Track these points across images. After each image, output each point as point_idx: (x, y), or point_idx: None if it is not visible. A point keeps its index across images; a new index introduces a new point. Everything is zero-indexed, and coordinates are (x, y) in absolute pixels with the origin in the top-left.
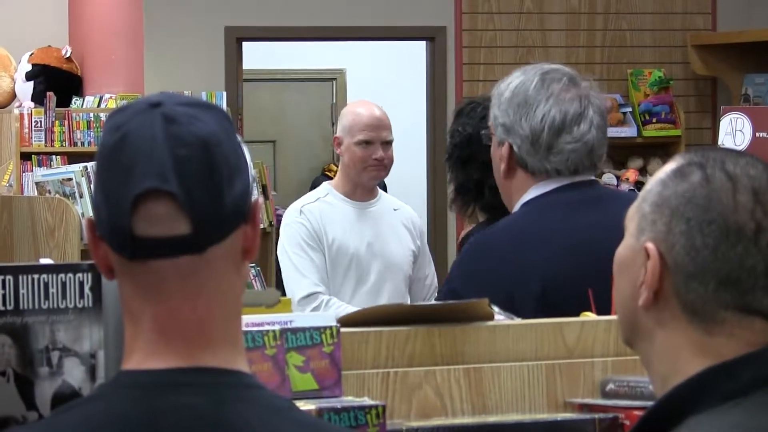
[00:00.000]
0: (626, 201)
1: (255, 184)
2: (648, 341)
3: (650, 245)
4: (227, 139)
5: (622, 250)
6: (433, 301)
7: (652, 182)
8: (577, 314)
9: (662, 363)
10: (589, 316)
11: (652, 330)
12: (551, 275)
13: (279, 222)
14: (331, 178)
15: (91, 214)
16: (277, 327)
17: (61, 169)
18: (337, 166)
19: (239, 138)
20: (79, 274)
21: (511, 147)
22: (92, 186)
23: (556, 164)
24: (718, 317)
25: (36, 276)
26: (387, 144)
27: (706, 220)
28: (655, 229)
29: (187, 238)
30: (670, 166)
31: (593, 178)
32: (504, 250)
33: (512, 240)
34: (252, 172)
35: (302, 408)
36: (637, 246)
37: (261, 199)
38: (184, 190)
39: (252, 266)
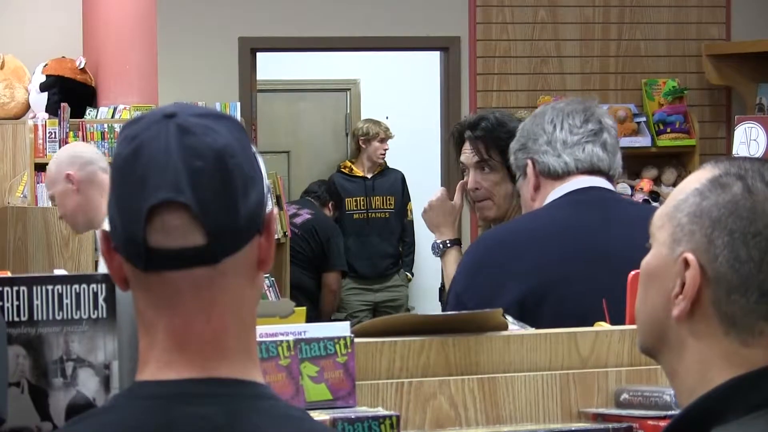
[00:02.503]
0: (634, 209)
1: (270, 195)
2: (676, 352)
3: (690, 256)
4: (242, 150)
5: (652, 260)
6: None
7: (686, 192)
8: (563, 313)
9: (691, 374)
10: (603, 325)
11: (683, 341)
12: (545, 271)
13: (293, 233)
14: (345, 174)
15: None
16: (291, 337)
17: None
18: (353, 163)
19: (254, 148)
20: (93, 285)
21: (533, 162)
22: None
23: (574, 155)
24: (756, 329)
25: (50, 287)
26: None
27: (751, 233)
28: (694, 240)
29: (201, 249)
30: (704, 175)
31: (608, 187)
32: (500, 246)
33: (507, 239)
34: (267, 182)
35: (316, 418)
36: (671, 256)
37: (276, 210)
38: (199, 202)
39: (266, 277)
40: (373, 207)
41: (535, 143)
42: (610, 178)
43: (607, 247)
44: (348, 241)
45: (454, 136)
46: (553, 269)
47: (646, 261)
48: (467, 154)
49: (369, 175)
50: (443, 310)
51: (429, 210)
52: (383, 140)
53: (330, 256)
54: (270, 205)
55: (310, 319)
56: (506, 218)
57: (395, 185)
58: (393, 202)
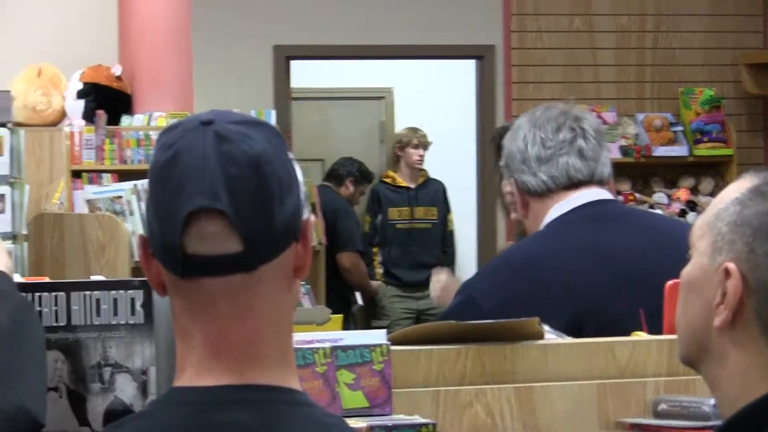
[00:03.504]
0: (644, 220)
1: (306, 202)
2: (718, 362)
3: (731, 265)
4: (278, 157)
5: (693, 270)
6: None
7: (726, 201)
8: (603, 324)
9: (733, 384)
10: (641, 335)
11: (724, 351)
12: (576, 285)
13: (329, 241)
14: (388, 185)
15: (141, 231)
16: (327, 344)
17: (111, 187)
18: (395, 173)
19: (291, 155)
20: (131, 291)
21: (516, 181)
22: (144, 204)
23: (548, 172)
24: None
25: (88, 293)
26: None
27: None
28: (735, 249)
29: (238, 256)
30: (744, 184)
31: (607, 198)
32: (523, 262)
33: (532, 255)
34: (303, 189)
35: (353, 425)
36: (712, 266)
37: (312, 218)
38: (235, 209)
39: (302, 284)
40: (416, 217)
41: (513, 162)
42: (600, 184)
43: (629, 264)
44: (391, 251)
45: (494, 141)
46: (589, 293)
47: (687, 271)
48: None
49: (412, 186)
50: None
51: (441, 292)
52: (417, 146)
53: (338, 238)
54: (306, 213)
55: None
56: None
57: (437, 196)
58: (436, 213)
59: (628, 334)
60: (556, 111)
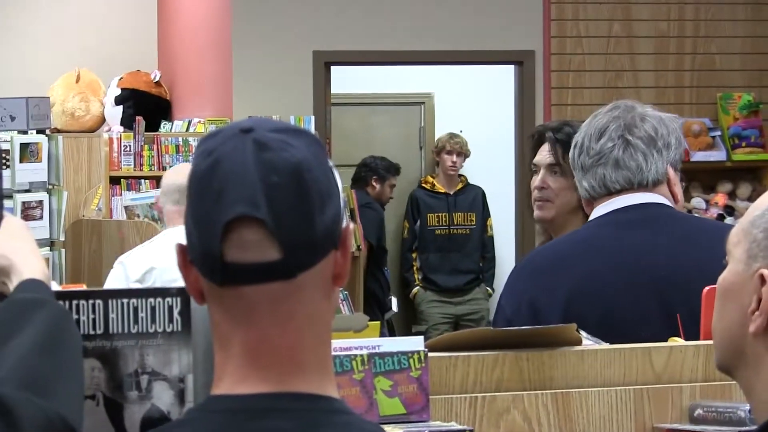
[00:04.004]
0: (682, 224)
1: (345, 209)
2: (753, 368)
3: (766, 272)
4: (318, 165)
5: (729, 276)
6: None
7: (762, 208)
8: (602, 328)
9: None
10: (678, 341)
11: (760, 357)
12: (578, 288)
13: (370, 246)
14: (427, 190)
15: None
16: (365, 351)
17: (149, 193)
18: (434, 178)
19: (331, 163)
20: (168, 299)
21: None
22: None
23: (589, 181)
24: None
25: (125, 300)
26: None
27: None
28: None
29: (277, 264)
30: None
31: (653, 201)
32: (537, 265)
33: (547, 258)
34: (342, 196)
35: None
36: (747, 272)
37: (351, 225)
38: (275, 217)
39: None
40: (455, 223)
41: (573, 165)
42: (651, 188)
43: (649, 268)
44: (429, 256)
45: (533, 137)
46: (595, 296)
47: (723, 277)
48: (543, 155)
49: (450, 191)
50: None
51: None
52: (450, 152)
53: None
54: (346, 220)
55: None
56: (561, 227)
57: (476, 201)
58: (474, 219)
59: (635, 338)
60: (606, 117)
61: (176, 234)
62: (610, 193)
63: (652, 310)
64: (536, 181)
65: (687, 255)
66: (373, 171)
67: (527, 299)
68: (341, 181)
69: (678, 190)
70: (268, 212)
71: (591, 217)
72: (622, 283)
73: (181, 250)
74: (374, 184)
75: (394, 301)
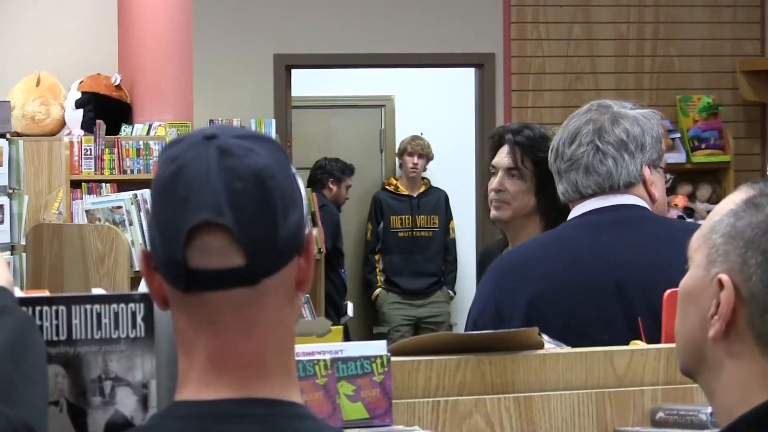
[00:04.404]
0: (653, 226)
1: (308, 215)
2: (714, 372)
3: (724, 276)
4: (282, 172)
5: (689, 281)
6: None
7: (721, 213)
8: (564, 330)
9: (729, 394)
10: (639, 344)
11: (720, 361)
12: (539, 291)
13: (331, 250)
14: (391, 192)
15: (140, 241)
16: (327, 356)
17: (110, 197)
18: (397, 180)
19: (294, 169)
20: (132, 305)
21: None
22: (147, 217)
23: (563, 185)
24: None
25: (88, 306)
26: None
27: None
28: (729, 261)
29: (241, 270)
30: (739, 196)
31: (630, 202)
32: (505, 269)
33: (513, 261)
34: (305, 203)
35: None
36: (707, 277)
37: (315, 231)
38: (239, 223)
39: None
40: (418, 225)
41: (551, 165)
42: (625, 189)
43: (615, 269)
44: (393, 258)
45: (493, 138)
46: (555, 298)
47: (684, 282)
48: (502, 157)
49: (414, 194)
50: None
51: None
52: (411, 154)
53: None
54: (309, 226)
55: None
56: (518, 229)
57: (439, 204)
58: (437, 221)
59: (595, 339)
60: (579, 120)
61: None
62: (583, 197)
63: (614, 312)
64: (494, 183)
65: (653, 257)
66: (328, 173)
67: (492, 302)
68: (304, 187)
69: (656, 189)
70: (231, 218)
71: (569, 218)
72: (583, 285)
73: (145, 256)
74: (331, 186)
75: (350, 306)
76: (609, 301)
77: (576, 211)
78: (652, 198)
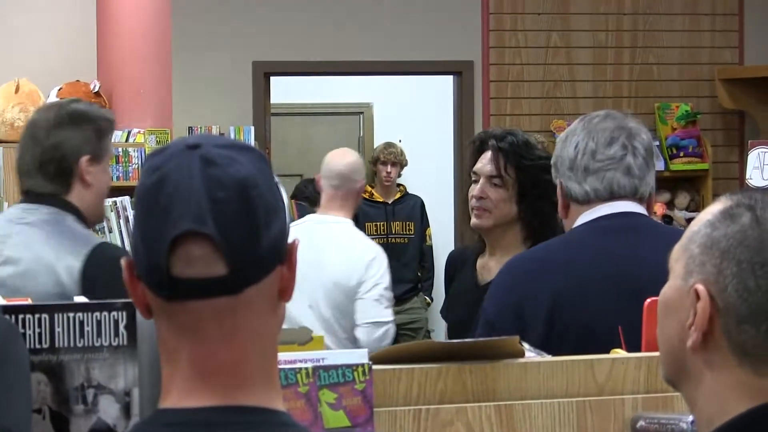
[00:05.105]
0: (666, 234)
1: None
2: (694, 382)
3: (700, 287)
4: (265, 181)
5: (668, 291)
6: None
7: (699, 223)
8: (587, 335)
9: (709, 404)
10: (619, 353)
11: (699, 371)
12: (564, 289)
13: None
14: (366, 200)
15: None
16: (309, 365)
17: None
18: (372, 188)
19: (276, 179)
20: (114, 313)
21: (561, 184)
22: (127, 224)
23: (593, 184)
24: None
25: (71, 314)
26: None
27: (759, 262)
28: (705, 271)
29: (223, 279)
30: (717, 207)
31: (637, 210)
32: (525, 269)
33: (534, 261)
34: (288, 212)
35: None
36: (684, 287)
37: (297, 240)
38: (221, 232)
39: None
40: (393, 232)
41: (562, 165)
42: (640, 200)
43: (633, 276)
44: None
45: (474, 143)
46: (574, 304)
47: (663, 292)
48: (484, 163)
49: (389, 201)
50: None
51: None
52: (385, 163)
53: None
54: (292, 236)
55: None
56: (499, 237)
57: (415, 211)
58: (413, 228)
59: (611, 346)
60: (612, 123)
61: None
62: (610, 198)
63: (636, 312)
64: (475, 190)
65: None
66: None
67: (512, 303)
68: (287, 197)
69: (652, 201)
70: (214, 227)
71: (576, 223)
72: (607, 281)
73: (128, 265)
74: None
75: None
76: (631, 300)
77: (585, 217)
78: (649, 210)
